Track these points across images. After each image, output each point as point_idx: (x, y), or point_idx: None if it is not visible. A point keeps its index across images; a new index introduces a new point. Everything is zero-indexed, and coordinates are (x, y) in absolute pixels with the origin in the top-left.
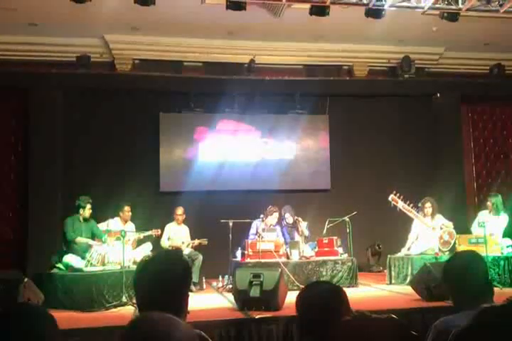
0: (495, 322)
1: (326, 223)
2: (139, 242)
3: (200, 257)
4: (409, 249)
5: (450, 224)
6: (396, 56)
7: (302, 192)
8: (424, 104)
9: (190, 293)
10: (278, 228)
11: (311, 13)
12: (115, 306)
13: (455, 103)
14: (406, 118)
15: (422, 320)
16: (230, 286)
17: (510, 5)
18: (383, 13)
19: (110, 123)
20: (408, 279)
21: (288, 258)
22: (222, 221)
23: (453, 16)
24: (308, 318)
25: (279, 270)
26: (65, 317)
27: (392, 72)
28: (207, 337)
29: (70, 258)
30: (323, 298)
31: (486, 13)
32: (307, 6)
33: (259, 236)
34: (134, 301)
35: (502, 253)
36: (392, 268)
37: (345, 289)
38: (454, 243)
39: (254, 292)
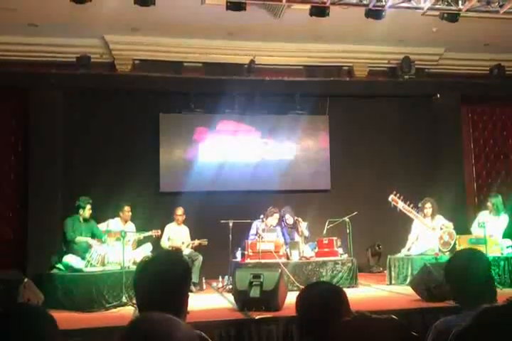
0: (495, 323)
1: (326, 223)
2: (139, 243)
3: (200, 257)
4: (409, 249)
5: (450, 225)
6: (396, 57)
7: (302, 192)
8: (424, 105)
9: (190, 294)
10: (278, 228)
11: (311, 14)
12: (115, 306)
13: (455, 103)
14: (406, 118)
15: (422, 320)
16: (230, 287)
17: (511, 6)
18: (383, 13)
19: (110, 124)
20: (408, 280)
21: (288, 258)
22: (222, 221)
23: (453, 17)
24: (308, 318)
25: (279, 270)
26: (65, 318)
27: (392, 72)
28: (207, 337)
29: (70, 259)
30: (323, 299)
31: (486, 13)
32: (307, 6)
33: (259, 237)
34: (134, 301)
35: (502, 253)
36: (392, 269)
37: (345, 289)
38: (454, 243)
39: (254, 292)
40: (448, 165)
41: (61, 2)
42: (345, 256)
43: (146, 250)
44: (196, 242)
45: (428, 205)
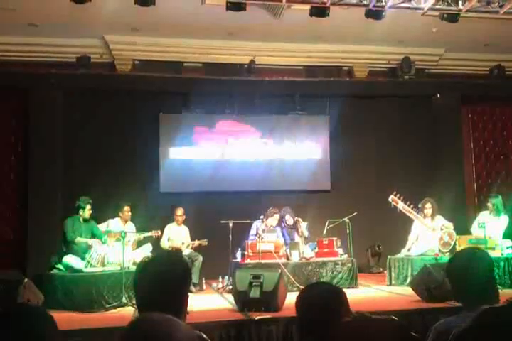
0: (495, 323)
1: (326, 224)
2: (139, 243)
3: (200, 258)
4: (409, 250)
5: (450, 225)
6: (396, 57)
7: (302, 192)
8: (424, 105)
9: (189, 294)
10: (278, 229)
11: (311, 14)
12: (115, 307)
13: (455, 104)
14: (406, 119)
15: (422, 321)
16: (230, 287)
17: (510, 6)
18: (383, 14)
19: (110, 124)
20: (408, 280)
21: (288, 259)
22: (222, 222)
23: (453, 17)
24: (308, 319)
25: (279, 271)
26: (65, 318)
27: (392, 73)
28: (207, 338)
29: (70, 259)
30: (323, 299)
31: (486, 14)
32: (307, 6)
33: (259, 237)
34: (134, 302)
35: (502, 254)
36: (392, 269)
37: (345, 290)
38: (454, 244)
39: (254, 293)
40: (448, 165)
41: (61, 2)
42: (345, 256)
43: (146, 250)
44: (196, 242)
45: (428, 205)
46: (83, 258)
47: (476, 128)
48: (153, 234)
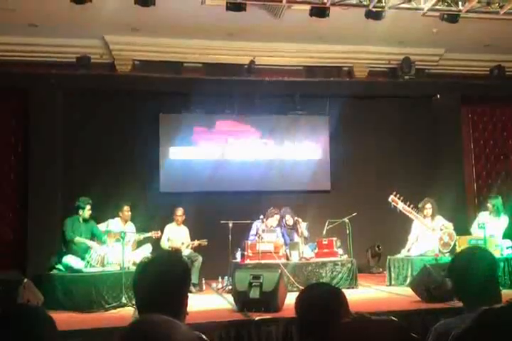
0: (495, 324)
1: (326, 224)
2: (139, 243)
3: (200, 258)
4: (409, 250)
5: (450, 226)
6: (396, 57)
7: (302, 193)
8: (424, 105)
9: (189, 294)
10: (278, 229)
11: (311, 15)
12: (115, 307)
13: (455, 104)
14: (406, 119)
15: (421, 321)
16: (230, 287)
17: (510, 6)
18: (383, 14)
19: (110, 124)
20: (408, 280)
21: (288, 259)
22: (222, 222)
23: (453, 18)
24: (307, 320)
25: (279, 271)
26: (65, 318)
27: (393, 73)
28: (206, 338)
29: (70, 259)
30: (322, 300)
31: (486, 14)
32: (307, 7)
33: (258, 237)
34: (134, 302)
35: (502, 254)
36: (392, 270)
37: (344, 290)
38: (454, 244)
39: (254, 293)
40: (448, 165)
41: (61, 2)
42: (345, 256)
43: (146, 251)
44: (196, 243)
45: (428, 206)
46: (83, 259)
47: (476, 128)
48: (153, 234)
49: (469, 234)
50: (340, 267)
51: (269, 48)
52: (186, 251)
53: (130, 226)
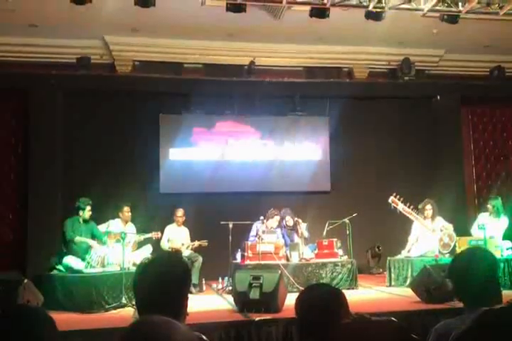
0: (495, 325)
1: (326, 225)
2: (139, 244)
3: (200, 259)
4: (409, 251)
5: (450, 227)
6: (396, 58)
7: (302, 193)
8: (424, 106)
9: (189, 295)
10: (278, 230)
11: (311, 15)
12: (115, 308)
13: (455, 105)
14: (406, 120)
15: (421, 322)
16: (230, 288)
17: (510, 7)
18: (383, 15)
19: (110, 124)
20: (408, 281)
21: (288, 260)
22: (222, 223)
23: (453, 18)
24: (308, 320)
25: (279, 272)
26: (65, 319)
27: (393, 74)
28: (206, 339)
29: (70, 260)
30: (322, 300)
31: (485, 15)
32: (307, 8)
33: (259, 238)
34: (134, 303)
35: (502, 255)
36: (392, 270)
37: (345, 291)
38: (454, 245)
39: (254, 294)
40: (448, 166)
41: (61, 3)
42: (345, 257)
43: (146, 252)
44: (196, 243)
45: (428, 207)
46: (83, 259)
47: (476, 129)
48: (153, 235)
49: (469, 235)
50: (341, 268)
51: (269, 49)
52: (186, 252)
53: (130, 227)
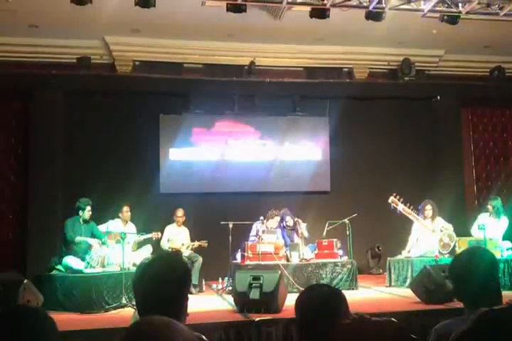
0: (494, 326)
1: (326, 225)
2: (139, 244)
3: (200, 259)
4: (409, 251)
5: (450, 227)
6: (396, 58)
7: (302, 194)
8: (424, 107)
9: (189, 295)
10: (278, 230)
11: (311, 16)
12: (115, 308)
13: (455, 105)
14: (406, 120)
15: (421, 323)
16: (230, 288)
17: (510, 8)
18: (383, 15)
19: (110, 124)
20: (408, 282)
21: (288, 260)
22: (222, 223)
23: (453, 19)
24: (308, 321)
25: (279, 272)
26: (65, 319)
27: (393, 74)
28: (207, 339)
29: (70, 260)
30: (322, 301)
31: (486, 15)
32: (307, 8)
33: (259, 238)
34: (134, 303)
35: (502, 255)
36: (392, 271)
37: (345, 292)
38: (454, 246)
39: (254, 294)
40: (448, 166)
41: (62, 3)
42: (345, 257)
43: (146, 252)
44: (196, 244)
45: (428, 207)
46: (83, 259)
47: (476, 129)
48: (153, 235)
49: (469, 235)
50: (341, 268)
51: (270, 49)
52: (186, 252)
53: (130, 227)
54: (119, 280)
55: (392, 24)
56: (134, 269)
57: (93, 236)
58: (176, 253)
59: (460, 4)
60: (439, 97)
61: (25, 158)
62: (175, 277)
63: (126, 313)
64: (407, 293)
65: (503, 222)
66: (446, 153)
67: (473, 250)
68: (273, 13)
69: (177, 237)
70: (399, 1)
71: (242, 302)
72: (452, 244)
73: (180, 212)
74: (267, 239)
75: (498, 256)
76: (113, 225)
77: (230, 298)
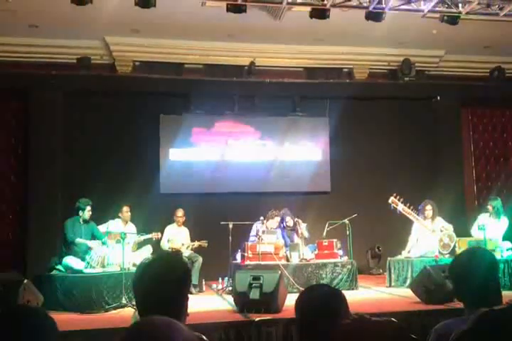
0: (494, 326)
1: (326, 225)
2: (139, 244)
3: (200, 259)
4: (409, 251)
5: (450, 227)
6: (396, 59)
7: (302, 194)
8: (424, 107)
9: (189, 295)
10: (278, 230)
11: (311, 16)
12: (115, 308)
13: (455, 106)
14: (406, 120)
15: (421, 323)
16: (230, 288)
17: (510, 8)
18: (383, 16)
19: (110, 125)
20: (408, 282)
21: (288, 260)
22: (222, 223)
23: (453, 19)
24: (307, 321)
25: (279, 272)
26: (65, 319)
27: (393, 74)
28: (207, 339)
29: (70, 260)
30: (322, 301)
31: (486, 16)
32: (307, 8)
33: (259, 238)
34: (134, 303)
35: (502, 256)
36: (392, 271)
37: (345, 292)
38: (454, 246)
39: (254, 294)
40: (448, 167)
41: (62, 3)
42: (345, 258)
43: (146, 252)
44: (196, 244)
45: (428, 207)
46: (83, 260)
47: (476, 130)
48: (154, 236)
49: (469, 235)
50: (341, 268)
51: (270, 50)
52: (186, 252)
53: (130, 227)
54: (119, 281)
55: (392, 24)
56: (134, 269)
57: (93, 236)
58: (176, 254)
59: (460, 5)
60: (439, 97)
61: (25, 158)
62: (175, 277)
63: (126, 313)
64: (407, 293)
65: (503, 222)
66: (446, 153)
67: (473, 250)
68: (273, 13)
69: (177, 237)
70: (399, 1)
71: (242, 302)
72: (452, 244)
73: (180, 212)
74: (267, 239)
75: (497, 256)
76: (113, 225)
77: (230, 298)
